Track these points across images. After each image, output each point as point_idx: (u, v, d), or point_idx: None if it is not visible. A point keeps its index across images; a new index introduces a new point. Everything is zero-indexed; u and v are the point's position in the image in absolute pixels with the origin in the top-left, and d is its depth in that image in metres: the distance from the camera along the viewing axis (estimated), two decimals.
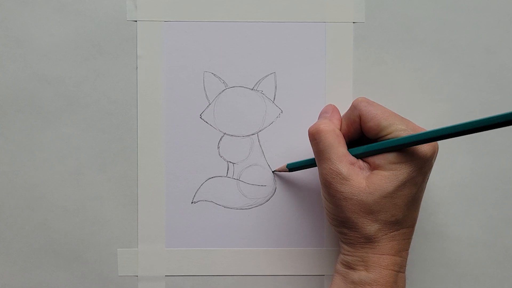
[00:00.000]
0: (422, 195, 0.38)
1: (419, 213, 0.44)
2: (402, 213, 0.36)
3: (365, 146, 0.37)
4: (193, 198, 0.43)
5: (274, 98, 0.43)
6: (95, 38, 0.43)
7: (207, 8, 0.43)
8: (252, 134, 0.43)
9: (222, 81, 0.43)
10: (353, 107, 0.38)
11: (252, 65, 0.43)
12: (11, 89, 0.43)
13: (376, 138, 0.37)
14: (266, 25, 0.43)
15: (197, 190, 0.43)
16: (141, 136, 0.43)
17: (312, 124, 0.38)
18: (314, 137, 0.37)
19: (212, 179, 0.43)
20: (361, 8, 0.43)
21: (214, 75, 0.43)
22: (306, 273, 0.44)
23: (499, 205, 0.44)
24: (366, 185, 0.36)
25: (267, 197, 0.43)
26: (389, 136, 0.36)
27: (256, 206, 0.43)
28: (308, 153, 0.43)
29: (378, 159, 0.36)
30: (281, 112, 0.43)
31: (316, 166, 0.39)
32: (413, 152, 0.36)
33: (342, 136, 0.37)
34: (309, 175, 0.43)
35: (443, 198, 0.44)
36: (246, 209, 0.44)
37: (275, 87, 0.43)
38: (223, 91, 0.43)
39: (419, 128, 0.36)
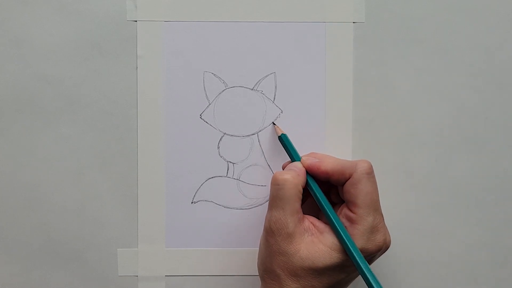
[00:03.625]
0: (351, 282, 0.38)
1: (419, 213, 0.44)
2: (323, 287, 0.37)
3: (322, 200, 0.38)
4: (193, 198, 0.43)
5: (274, 98, 0.43)
6: (95, 38, 0.43)
7: (207, 8, 0.43)
8: (252, 134, 0.43)
9: (222, 81, 0.43)
10: (357, 174, 0.37)
11: (252, 65, 0.43)
12: (11, 89, 0.43)
13: (342, 191, 0.38)
14: (266, 25, 0.43)
15: (197, 190, 0.43)
16: (141, 136, 0.43)
17: (288, 164, 0.40)
18: (278, 183, 0.37)
19: (212, 179, 0.43)
20: (361, 8, 0.43)
21: (214, 75, 0.43)
22: None
23: (499, 205, 0.44)
24: (303, 249, 0.36)
25: (267, 197, 0.43)
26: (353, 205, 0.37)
27: (256, 206, 0.43)
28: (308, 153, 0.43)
29: (326, 230, 0.37)
30: (281, 112, 0.43)
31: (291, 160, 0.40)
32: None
33: (301, 192, 0.38)
34: None
35: (443, 198, 0.44)
36: (246, 209, 0.44)
37: (275, 87, 0.43)
38: (223, 91, 0.43)
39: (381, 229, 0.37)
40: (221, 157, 0.43)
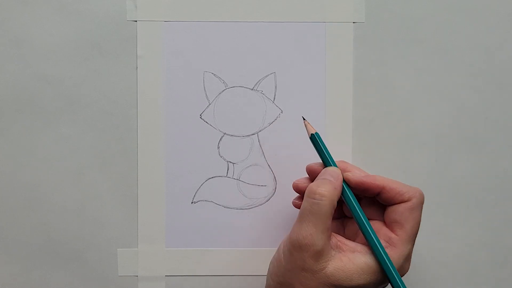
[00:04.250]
0: None
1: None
2: None
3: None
4: (193, 198, 0.43)
5: (274, 98, 0.43)
6: (95, 38, 0.43)
7: (207, 8, 0.43)
8: (252, 134, 0.43)
9: (222, 81, 0.43)
10: (417, 200, 0.37)
11: (252, 65, 0.43)
12: (11, 89, 0.43)
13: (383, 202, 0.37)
14: (266, 25, 0.43)
15: (197, 190, 0.43)
16: (141, 136, 0.43)
17: (315, 181, 0.37)
18: (314, 197, 0.35)
19: (212, 179, 0.43)
20: (361, 8, 0.43)
21: (214, 75, 0.43)
22: None
23: (499, 205, 0.44)
24: (329, 266, 0.35)
25: (267, 197, 0.43)
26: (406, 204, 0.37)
27: (256, 206, 0.43)
28: (307, 154, 0.43)
29: (357, 249, 0.36)
30: (281, 112, 0.43)
31: (327, 165, 0.38)
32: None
33: (335, 209, 0.36)
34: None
35: (443, 198, 0.44)
36: (246, 209, 0.43)
37: (275, 87, 0.43)
38: (223, 91, 0.43)
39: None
40: (221, 157, 0.43)
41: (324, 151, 0.38)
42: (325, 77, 0.43)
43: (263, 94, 0.43)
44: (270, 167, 0.43)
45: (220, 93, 0.43)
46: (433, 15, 0.43)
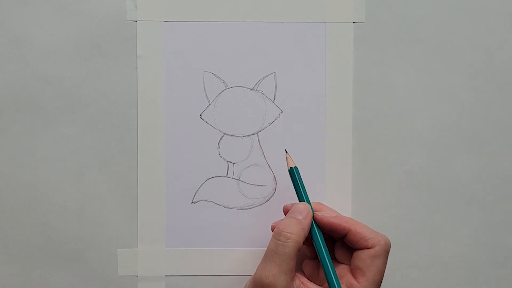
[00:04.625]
0: None
1: (419, 213, 0.44)
2: None
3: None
4: (193, 198, 0.43)
5: (274, 98, 0.43)
6: (95, 38, 0.43)
7: (207, 8, 0.43)
8: (252, 134, 0.43)
9: (222, 81, 0.43)
10: (380, 248, 0.37)
11: (252, 65, 0.43)
12: (11, 89, 0.43)
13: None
14: (266, 25, 0.43)
15: (197, 190, 0.43)
16: (141, 136, 0.43)
17: (284, 219, 0.37)
18: (280, 238, 0.36)
19: (212, 179, 0.43)
20: (361, 8, 0.43)
21: (214, 75, 0.43)
22: None
23: (499, 205, 0.44)
24: None
25: (267, 197, 0.43)
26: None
27: (256, 206, 0.43)
28: (308, 154, 0.43)
29: None
30: (281, 112, 0.43)
31: (300, 199, 0.39)
32: None
33: (300, 249, 0.36)
34: (308, 175, 0.43)
35: (443, 198, 0.44)
36: (246, 209, 0.43)
37: (275, 87, 0.43)
38: (223, 91, 0.43)
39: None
40: (221, 157, 0.43)
41: (300, 187, 0.39)
42: (325, 77, 0.43)
43: (263, 94, 0.43)
44: (270, 167, 0.43)
45: (220, 93, 0.43)
46: (433, 15, 0.43)
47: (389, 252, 0.37)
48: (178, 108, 0.43)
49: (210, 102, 0.43)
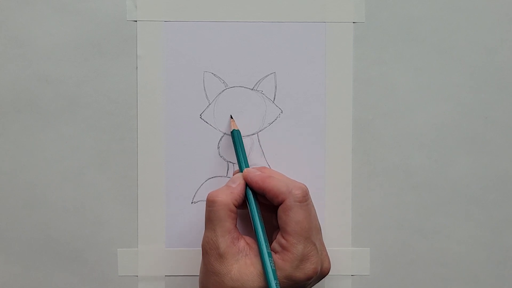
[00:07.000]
0: None
1: (419, 213, 0.44)
2: None
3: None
4: (193, 198, 0.43)
5: (274, 98, 0.43)
6: (95, 38, 0.43)
7: (207, 8, 0.43)
8: (252, 134, 0.43)
9: (222, 81, 0.43)
10: (289, 200, 0.37)
11: (252, 65, 0.43)
12: (11, 89, 0.43)
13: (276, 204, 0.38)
14: (266, 25, 0.43)
15: (197, 190, 0.43)
16: (141, 136, 0.43)
17: (233, 176, 0.39)
18: (209, 205, 0.37)
19: (212, 179, 0.43)
20: (361, 8, 0.43)
21: (214, 75, 0.43)
22: None
23: (499, 205, 0.44)
24: (234, 270, 0.36)
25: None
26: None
27: None
28: (308, 154, 0.43)
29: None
30: (281, 112, 0.43)
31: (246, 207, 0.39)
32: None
33: (235, 211, 0.37)
34: (308, 175, 0.43)
35: (443, 198, 0.44)
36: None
37: (275, 87, 0.43)
38: (223, 91, 0.43)
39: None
40: (221, 157, 0.43)
41: (240, 152, 0.40)
42: (325, 77, 0.43)
43: (263, 94, 0.43)
44: (270, 167, 0.43)
45: (220, 93, 0.43)
46: (433, 15, 0.43)
47: (303, 200, 0.37)
48: (178, 108, 0.43)
49: (210, 102, 0.43)
